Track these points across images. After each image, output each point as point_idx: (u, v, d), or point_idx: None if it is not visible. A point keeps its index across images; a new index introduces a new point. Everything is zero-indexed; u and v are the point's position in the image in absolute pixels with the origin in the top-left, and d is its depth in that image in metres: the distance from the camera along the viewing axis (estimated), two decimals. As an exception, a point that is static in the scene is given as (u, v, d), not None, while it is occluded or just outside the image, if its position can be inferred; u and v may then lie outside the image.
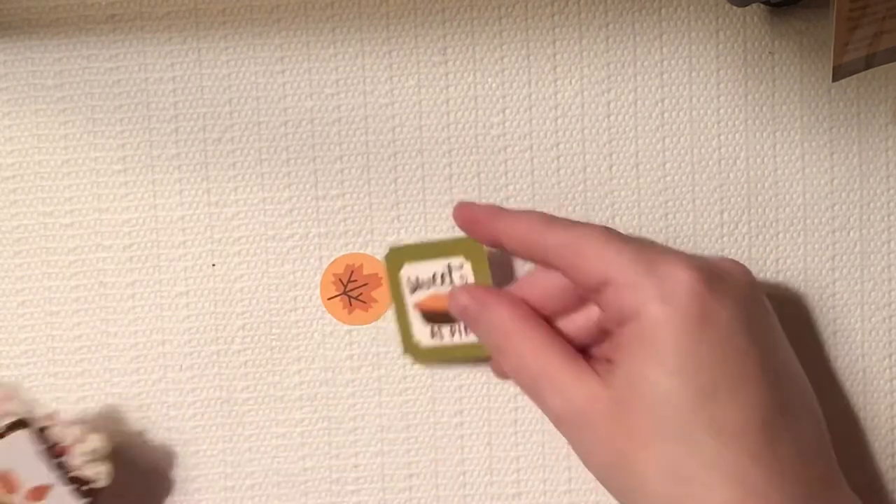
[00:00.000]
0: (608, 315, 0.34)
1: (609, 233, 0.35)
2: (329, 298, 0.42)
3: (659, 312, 0.32)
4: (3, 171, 0.42)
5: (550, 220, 0.36)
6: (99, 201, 0.42)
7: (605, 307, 0.34)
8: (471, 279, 0.39)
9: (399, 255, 0.40)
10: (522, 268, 0.42)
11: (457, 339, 0.39)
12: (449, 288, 0.39)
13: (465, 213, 0.39)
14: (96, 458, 0.37)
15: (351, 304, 0.42)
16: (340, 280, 0.42)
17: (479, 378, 0.42)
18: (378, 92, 0.42)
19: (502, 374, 0.39)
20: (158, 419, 0.42)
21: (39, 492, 0.37)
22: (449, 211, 0.42)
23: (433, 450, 0.42)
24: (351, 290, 0.42)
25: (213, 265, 0.42)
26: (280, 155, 0.42)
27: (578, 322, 0.36)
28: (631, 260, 0.33)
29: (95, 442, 0.37)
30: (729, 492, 0.31)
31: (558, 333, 0.36)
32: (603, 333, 0.36)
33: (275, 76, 0.42)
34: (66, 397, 0.42)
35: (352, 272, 0.42)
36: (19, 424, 0.37)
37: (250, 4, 0.41)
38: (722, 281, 0.34)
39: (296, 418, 0.42)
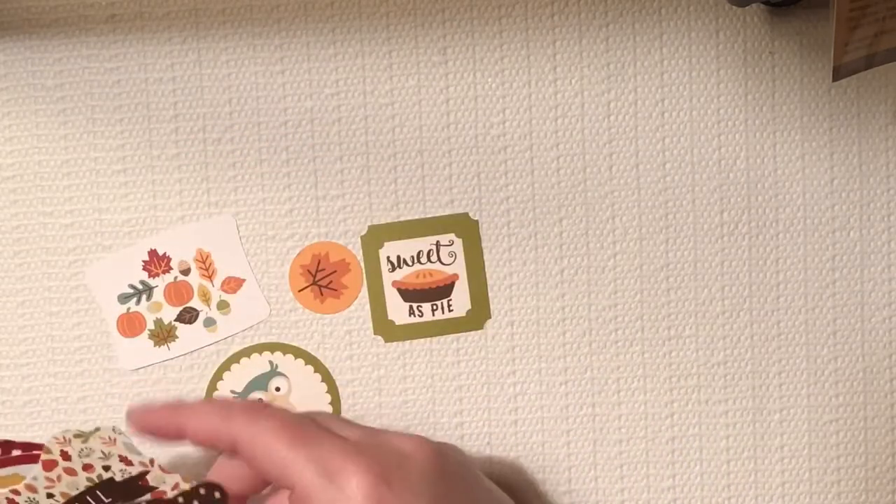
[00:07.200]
0: None
1: (291, 430, 0.34)
2: (300, 290, 0.42)
3: None
4: (3, 171, 0.42)
5: (229, 409, 0.35)
6: (99, 201, 0.42)
7: None
8: (461, 257, 0.39)
9: (379, 234, 0.40)
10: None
11: (438, 316, 0.40)
12: (435, 266, 0.39)
13: (141, 424, 0.37)
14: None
15: (322, 294, 0.42)
16: (308, 270, 0.42)
17: (479, 378, 0.42)
18: (378, 92, 0.42)
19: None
20: (158, 419, 0.42)
21: None
22: (449, 211, 0.42)
23: (433, 450, 0.42)
24: (320, 279, 0.42)
25: (213, 265, 0.42)
26: (280, 155, 0.42)
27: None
28: (312, 467, 0.33)
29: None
30: None
31: None
32: None
33: (275, 76, 0.42)
34: (65, 397, 0.42)
35: (319, 261, 0.42)
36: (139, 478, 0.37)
37: (250, 4, 0.41)
38: (401, 470, 0.34)
39: (296, 418, 0.42)
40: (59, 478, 0.36)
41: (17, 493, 0.36)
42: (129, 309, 0.41)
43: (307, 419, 0.36)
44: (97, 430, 0.37)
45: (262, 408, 0.36)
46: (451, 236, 0.40)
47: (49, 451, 0.36)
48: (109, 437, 0.37)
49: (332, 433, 0.35)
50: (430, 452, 0.35)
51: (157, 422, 0.36)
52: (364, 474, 0.33)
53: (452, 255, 0.40)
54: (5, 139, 0.42)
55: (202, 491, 0.35)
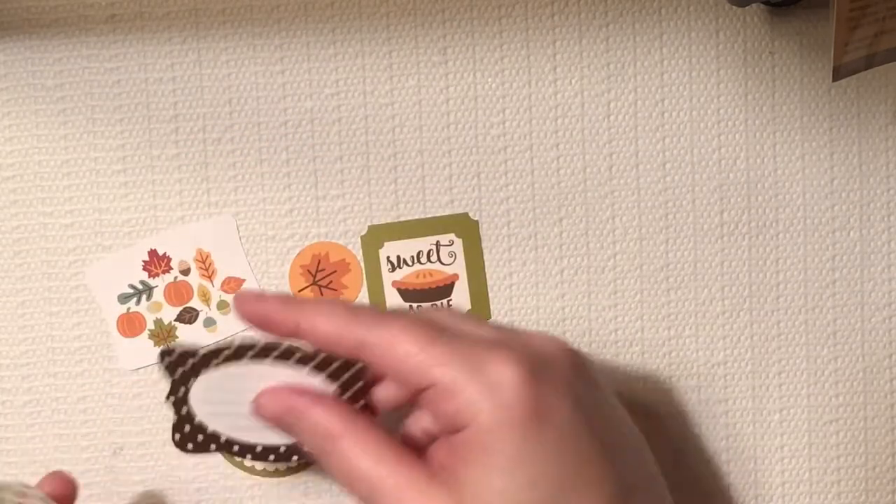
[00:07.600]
0: (438, 418, 0.32)
1: (427, 328, 0.32)
2: (300, 290, 0.42)
3: (492, 420, 0.30)
4: (3, 171, 0.42)
5: (356, 312, 0.33)
6: (99, 201, 0.42)
7: (433, 410, 0.32)
8: (461, 257, 0.39)
9: (379, 234, 0.40)
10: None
11: None
12: (435, 266, 0.39)
13: (254, 310, 0.34)
14: None
15: (322, 294, 0.42)
16: (309, 270, 0.42)
17: (479, 378, 0.42)
18: (378, 92, 0.42)
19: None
20: (158, 419, 0.42)
21: None
22: (449, 211, 0.42)
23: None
24: (320, 279, 0.42)
25: (213, 265, 0.42)
26: (280, 155, 0.42)
27: (410, 424, 0.33)
28: (455, 361, 0.31)
29: None
30: None
31: (391, 436, 0.33)
32: (433, 434, 0.33)
33: (275, 76, 0.42)
34: (65, 397, 0.42)
35: (319, 261, 0.42)
36: None
37: (250, 4, 0.41)
38: (548, 369, 0.32)
39: (296, 418, 0.42)
40: None
41: None
42: (129, 309, 0.41)
43: (438, 318, 0.33)
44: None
45: (388, 311, 0.33)
46: (451, 236, 0.40)
47: None
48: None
49: (466, 330, 0.33)
50: (572, 356, 0.33)
51: (272, 313, 0.34)
52: (516, 365, 0.31)
53: (452, 255, 0.40)
54: (5, 139, 0.42)
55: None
